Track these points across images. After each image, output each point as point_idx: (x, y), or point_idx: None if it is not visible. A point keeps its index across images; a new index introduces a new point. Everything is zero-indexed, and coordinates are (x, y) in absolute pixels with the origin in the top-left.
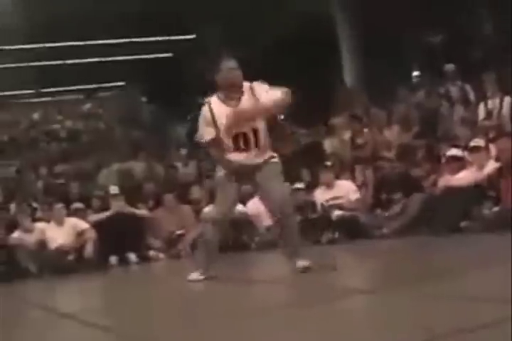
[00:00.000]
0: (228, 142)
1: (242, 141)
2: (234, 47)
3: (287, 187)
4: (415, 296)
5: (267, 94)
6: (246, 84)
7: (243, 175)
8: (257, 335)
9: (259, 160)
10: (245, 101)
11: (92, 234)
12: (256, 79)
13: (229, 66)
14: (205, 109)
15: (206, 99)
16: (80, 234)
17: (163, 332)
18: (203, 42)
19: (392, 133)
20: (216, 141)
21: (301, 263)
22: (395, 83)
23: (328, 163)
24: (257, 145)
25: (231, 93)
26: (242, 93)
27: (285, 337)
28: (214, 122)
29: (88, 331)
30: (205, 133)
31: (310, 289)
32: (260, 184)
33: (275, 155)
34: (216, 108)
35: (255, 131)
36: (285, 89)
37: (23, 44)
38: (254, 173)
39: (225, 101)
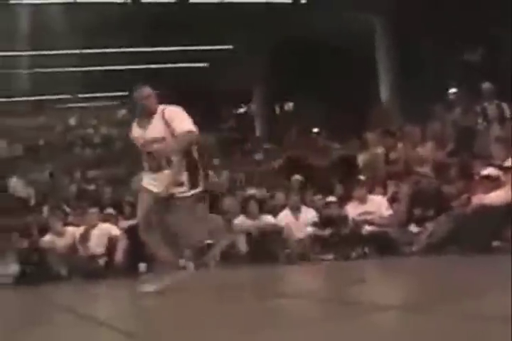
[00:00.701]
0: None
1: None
2: (270, 60)
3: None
4: (444, 314)
5: (178, 124)
6: (160, 108)
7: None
8: None
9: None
10: (154, 125)
11: (123, 240)
12: (296, 94)
13: (143, 94)
14: None
15: None
16: (111, 239)
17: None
18: (240, 53)
19: (426, 150)
20: None
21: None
22: (431, 100)
23: (362, 178)
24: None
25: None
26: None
27: None
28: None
29: (111, 335)
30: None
31: (338, 303)
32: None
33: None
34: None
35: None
36: (192, 130)
37: (63, 49)
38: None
39: (139, 122)
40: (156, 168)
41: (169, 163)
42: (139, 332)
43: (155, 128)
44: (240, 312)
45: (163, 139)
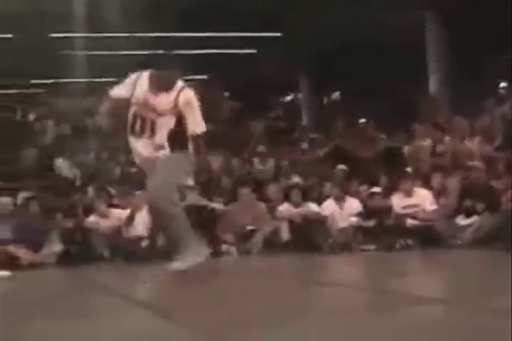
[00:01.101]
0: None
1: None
2: (319, 49)
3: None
4: (482, 309)
5: (191, 120)
6: (179, 85)
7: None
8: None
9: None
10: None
11: None
12: (344, 84)
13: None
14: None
15: None
16: None
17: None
18: (289, 41)
19: (474, 144)
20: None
21: (176, 265)
22: (480, 93)
23: (409, 170)
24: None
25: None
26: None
27: None
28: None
29: (149, 315)
30: None
31: (379, 294)
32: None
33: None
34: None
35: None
36: (203, 132)
37: (114, 32)
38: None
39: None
40: (140, 133)
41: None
42: (176, 313)
43: (165, 100)
44: (279, 299)
45: (165, 113)
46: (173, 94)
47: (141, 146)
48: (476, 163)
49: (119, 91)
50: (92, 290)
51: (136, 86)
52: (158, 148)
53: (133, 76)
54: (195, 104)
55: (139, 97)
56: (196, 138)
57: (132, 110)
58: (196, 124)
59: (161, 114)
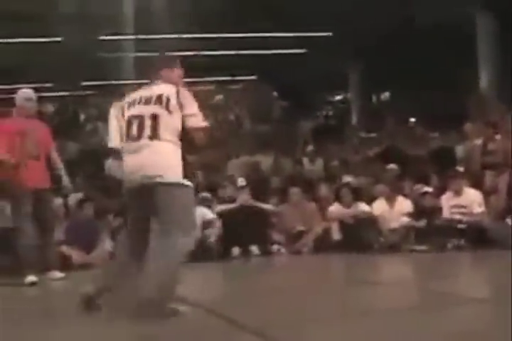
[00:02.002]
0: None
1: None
2: (368, 49)
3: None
4: None
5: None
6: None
7: None
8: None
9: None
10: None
11: (217, 225)
12: (393, 83)
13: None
14: None
15: None
16: (206, 223)
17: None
18: (338, 40)
19: None
20: None
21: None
22: None
23: (461, 169)
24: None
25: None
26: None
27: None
28: None
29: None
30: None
31: (428, 294)
32: None
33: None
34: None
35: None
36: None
37: (159, 34)
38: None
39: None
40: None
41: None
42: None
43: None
44: (329, 298)
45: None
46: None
47: None
48: None
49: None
50: None
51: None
52: None
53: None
54: (192, 98)
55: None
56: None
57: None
58: (194, 113)
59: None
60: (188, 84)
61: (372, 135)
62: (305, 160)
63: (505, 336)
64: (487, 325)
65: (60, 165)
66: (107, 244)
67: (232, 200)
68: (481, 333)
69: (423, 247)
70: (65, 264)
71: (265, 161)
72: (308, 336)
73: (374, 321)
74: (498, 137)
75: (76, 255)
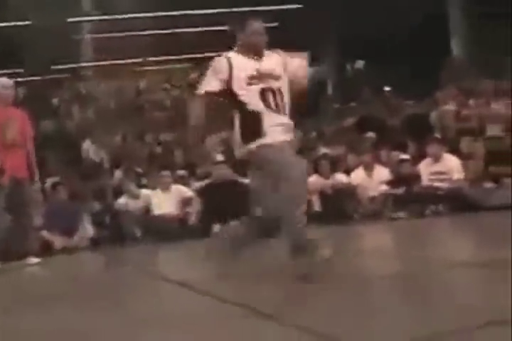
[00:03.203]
0: (254, 97)
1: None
2: (339, 19)
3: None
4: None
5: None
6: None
7: None
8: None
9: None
10: (270, 60)
11: (196, 202)
12: (367, 52)
13: (255, 28)
14: (219, 59)
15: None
16: (185, 201)
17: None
18: (309, 11)
19: (500, 106)
20: (219, 94)
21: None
22: (504, 53)
23: (437, 135)
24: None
25: (252, 53)
26: (262, 54)
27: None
28: (230, 72)
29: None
30: (206, 85)
31: (413, 260)
32: None
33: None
34: (236, 59)
35: (281, 92)
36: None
37: (133, 13)
38: None
39: (248, 55)
40: (276, 108)
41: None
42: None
43: (272, 62)
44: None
45: (280, 77)
46: (273, 55)
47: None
48: (494, 132)
49: (209, 85)
50: (127, 270)
51: (231, 65)
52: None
53: (219, 61)
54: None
55: (258, 69)
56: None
57: (256, 86)
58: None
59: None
60: (163, 63)
61: (349, 105)
62: None
63: (495, 295)
64: (478, 287)
65: (33, 157)
66: (87, 227)
67: (209, 176)
68: (472, 294)
69: (402, 214)
70: (47, 249)
71: None
72: (294, 308)
73: (367, 288)
74: (471, 102)
75: (57, 240)
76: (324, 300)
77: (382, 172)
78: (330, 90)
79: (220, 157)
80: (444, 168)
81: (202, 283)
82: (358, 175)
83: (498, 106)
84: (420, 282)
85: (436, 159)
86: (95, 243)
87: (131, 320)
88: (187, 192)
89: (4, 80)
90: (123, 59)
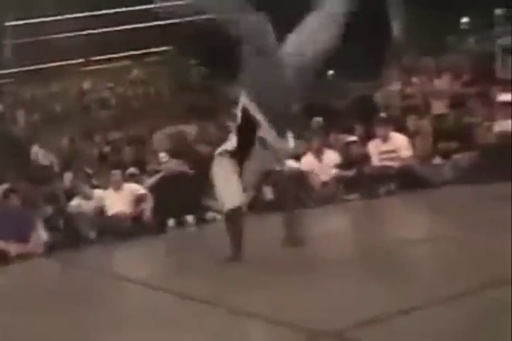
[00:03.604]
0: None
1: None
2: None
3: None
4: (475, 245)
5: None
6: None
7: None
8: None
9: None
10: None
11: (149, 199)
12: None
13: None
14: None
15: None
16: (138, 199)
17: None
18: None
19: (443, 82)
20: None
21: None
22: (443, 31)
23: (383, 115)
24: None
25: None
26: None
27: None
28: None
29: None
30: None
31: (367, 241)
32: None
33: None
34: None
35: None
36: None
37: (68, 14)
38: None
39: None
40: None
41: None
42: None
43: None
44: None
45: None
46: None
47: None
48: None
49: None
50: (87, 273)
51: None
52: None
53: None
54: None
55: None
56: None
57: None
58: None
59: None
60: (103, 62)
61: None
62: (232, 125)
63: (459, 269)
64: (444, 261)
65: None
66: (41, 233)
67: (159, 171)
68: (440, 269)
69: (355, 196)
70: (3, 258)
71: (190, 130)
72: (262, 296)
73: (336, 271)
74: (415, 80)
75: (12, 247)
76: (280, 285)
77: (331, 156)
78: None
79: (163, 157)
80: (393, 147)
81: (160, 280)
82: (307, 161)
83: (440, 83)
84: (377, 260)
85: (385, 139)
86: (51, 248)
87: (91, 323)
88: (139, 189)
89: None
90: (63, 60)
